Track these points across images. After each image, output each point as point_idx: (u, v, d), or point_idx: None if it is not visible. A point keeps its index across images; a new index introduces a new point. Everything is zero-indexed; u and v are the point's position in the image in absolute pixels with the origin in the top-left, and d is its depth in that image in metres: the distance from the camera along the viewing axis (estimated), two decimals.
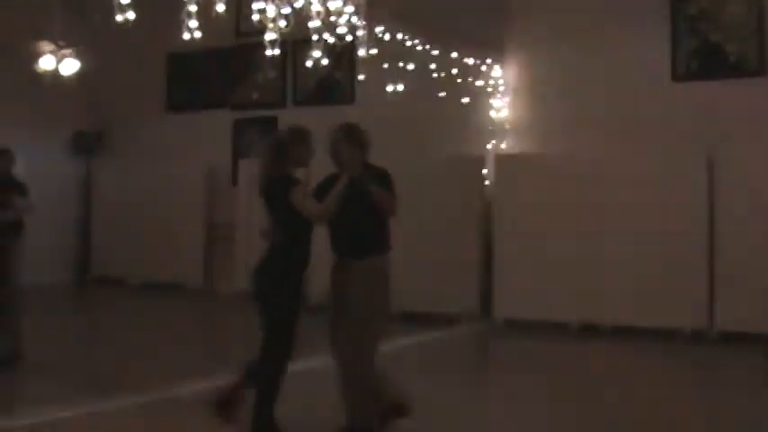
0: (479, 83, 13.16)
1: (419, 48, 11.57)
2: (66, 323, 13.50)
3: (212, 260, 16.38)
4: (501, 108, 13.62)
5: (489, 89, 13.49)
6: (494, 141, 13.51)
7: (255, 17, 9.98)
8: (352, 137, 6.80)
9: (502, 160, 12.95)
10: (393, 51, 11.21)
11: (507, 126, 13.63)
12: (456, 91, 12.53)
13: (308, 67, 11.62)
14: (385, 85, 11.43)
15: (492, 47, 13.35)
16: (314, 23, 9.94)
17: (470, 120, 13.46)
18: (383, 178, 6.71)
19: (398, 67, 11.32)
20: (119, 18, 9.54)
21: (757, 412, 8.01)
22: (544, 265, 12.26)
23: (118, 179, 17.40)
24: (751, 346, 11.08)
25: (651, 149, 12.25)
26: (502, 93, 13.65)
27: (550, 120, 13.30)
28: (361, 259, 6.73)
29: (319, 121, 14.93)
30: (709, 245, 11.54)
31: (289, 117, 15.67)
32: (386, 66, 11.28)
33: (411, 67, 11.42)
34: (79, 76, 12.86)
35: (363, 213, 6.65)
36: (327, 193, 6.59)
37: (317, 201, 6.60)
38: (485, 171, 13.19)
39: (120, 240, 17.03)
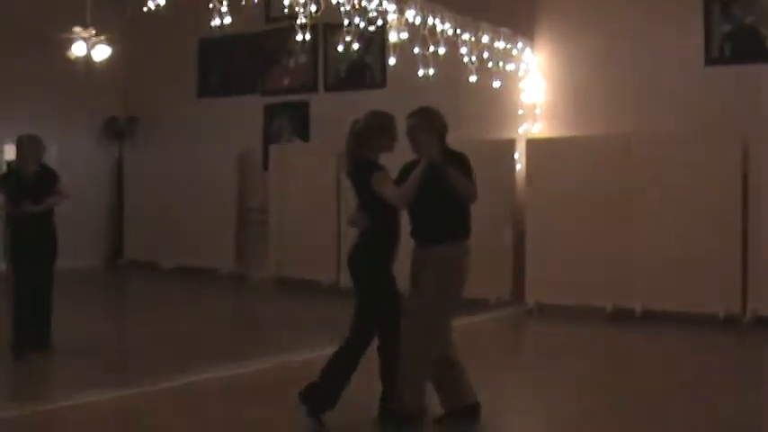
0: (510, 67, 13.10)
1: (450, 32, 11.52)
2: (97, 307, 13.62)
3: (244, 245, 16.42)
4: (532, 92, 13.57)
5: (520, 73, 13.45)
6: (525, 125, 13.47)
7: (286, 2, 9.99)
8: (428, 122, 6.75)
9: (533, 144, 12.91)
10: (424, 36, 11.18)
11: (538, 110, 13.59)
12: (487, 75, 12.47)
13: (338, 52, 11.64)
14: (416, 70, 11.39)
15: (523, 31, 13.30)
16: (345, 8, 9.92)
17: (501, 104, 13.42)
18: (462, 163, 6.64)
19: (429, 52, 11.27)
20: (150, 4, 9.58)
21: None
22: (576, 250, 12.21)
23: (150, 164, 17.49)
24: None
25: (684, 134, 12.17)
26: (533, 77, 13.60)
27: (581, 104, 13.23)
28: (437, 245, 6.68)
29: (350, 106, 15.05)
30: (743, 230, 11.46)
31: (320, 102, 15.76)
32: (416, 50, 11.24)
33: (442, 51, 11.37)
34: (111, 62, 12.86)
35: (442, 199, 6.57)
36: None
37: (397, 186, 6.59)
38: (516, 155, 13.16)
39: (152, 225, 17.12)
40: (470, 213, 6.82)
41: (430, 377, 6.76)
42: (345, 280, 14.08)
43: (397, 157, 6.88)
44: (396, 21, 10.84)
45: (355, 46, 11.08)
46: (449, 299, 6.75)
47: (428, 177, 6.43)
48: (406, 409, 6.61)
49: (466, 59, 12.11)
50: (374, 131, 6.73)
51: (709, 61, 12.49)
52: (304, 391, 6.73)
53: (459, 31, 11.76)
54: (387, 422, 6.70)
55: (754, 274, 11.38)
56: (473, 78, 12.10)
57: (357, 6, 10.35)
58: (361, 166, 6.70)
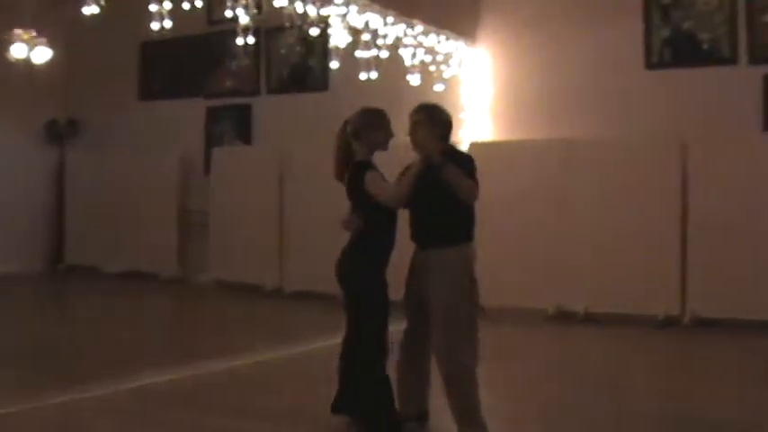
0: (453, 70, 13.15)
1: (392, 35, 11.55)
2: (38, 312, 13.47)
3: (186, 249, 16.34)
4: (474, 96, 13.62)
5: (463, 77, 13.49)
6: (467, 129, 13.52)
7: (228, 4, 9.97)
8: (432, 118, 6.50)
9: (475, 148, 12.95)
10: (366, 39, 11.19)
11: (480, 114, 13.63)
12: (429, 78, 12.51)
13: (281, 55, 11.63)
14: (358, 73, 11.41)
15: (465, 34, 13.35)
16: (287, 11, 9.91)
17: (444, 107, 13.44)
18: (465, 163, 6.35)
19: (371, 55, 11.30)
20: (91, 6, 9.51)
21: (727, 398, 8.08)
22: (518, 252, 12.29)
23: (91, 167, 17.32)
24: (724, 332, 11.15)
25: (625, 137, 12.28)
26: (475, 80, 13.65)
27: (524, 107, 13.30)
28: (440, 249, 6.38)
29: (292, 109, 15.04)
30: (683, 231, 11.59)
31: (262, 105, 15.72)
32: (359, 53, 11.26)
33: (384, 54, 11.40)
34: (52, 64, 12.74)
35: (442, 199, 6.25)
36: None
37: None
38: None
39: (93, 229, 16.96)
40: (474, 215, 6.62)
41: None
42: (288, 283, 14.16)
43: (390, 156, 6.73)
44: (338, 24, 10.85)
45: (297, 49, 11.06)
46: (460, 303, 6.37)
47: (430, 177, 6.09)
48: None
49: (408, 62, 12.15)
50: (371, 129, 6.50)
51: (650, 65, 12.62)
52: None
53: (401, 33, 11.79)
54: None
55: (693, 275, 11.50)
56: (415, 82, 12.13)
57: (299, 10, 10.34)
58: (353, 167, 6.46)
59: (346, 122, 6.60)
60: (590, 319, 11.92)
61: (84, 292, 15.57)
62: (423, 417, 6.69)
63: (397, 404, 6.55)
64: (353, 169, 6.44)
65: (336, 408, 6.57)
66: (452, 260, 6.39)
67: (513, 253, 12.33)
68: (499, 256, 12.35)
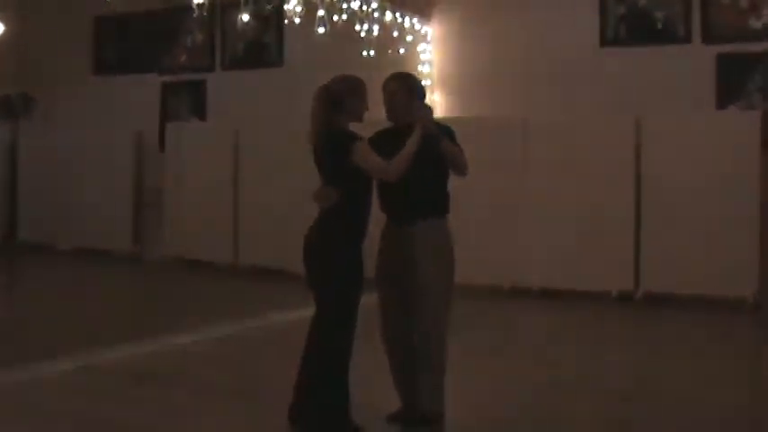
0: (408, 47, 13.14)
1: (348, 11, 11.52)
2: None
3: (141, 226, 16.26)
4: (429, 72, 13.62)
5: (418, 53, 13.49)
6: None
7: None
8: (412, 88, 6.24)
9: None
10: (321, 14, 11.15)
11: (435, 91, 13.64)
12: (384, 55, 12.49)
13: (236, 31, 11.58)
14: (313, 49, 11.38)
15: (420, 11, 13.35)
16: None
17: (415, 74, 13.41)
18: (451, 135, 6.21)
19: (327, 31, 11.26)
20: None
21: (678, 367, 8.18)
22: (474, 229, 12.31)
23: (45, 143, 17.15)
24: (677, 306, 11.28)
25: (579, 113, 12.36)
26: (430, 57, 13.66)
27: (478, 83, 13.33)
28: (430, 221, 6.20)
29: (247, 85, 14.99)
30: (636, 209, 11.68)
31: (217, 81, 15.65)
32: (314, 28, 11.22)
33: (339, 30, 11.37)
34: (4, 38, 12.62)
35: (433, 172, 6.13)
36: (383, 150, 5.90)
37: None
38: None
39: (47, 206, 16.83)
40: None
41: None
42: (243, 259, 14.14)
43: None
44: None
45: (245, 17, 10.94)
46: (448, 277, 6.27)
47: (422, 149, 5.90)
48: (437, 408, 6.12)
49: (364, 38, 12.12)
50: (349, 96, 6.09)
51: (605, 42, 12.68)
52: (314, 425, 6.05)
53: (357, 9, 11.76)
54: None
55: (647, 252, 11.61)
56: (370, 56, 12.11)
57: None
58: (334, 136, 6.00)
59: (325, 87, 6.14)
60: (544, 294, 12.00)
61: (37, 269, 15.44)
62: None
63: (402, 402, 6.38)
64: (335, 139, 6.00)
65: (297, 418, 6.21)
66: (443, 232, 6.32)
67: (468, 230, 12.34)
68: (454, 234, 12.38)
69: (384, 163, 5.86)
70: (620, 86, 12.29)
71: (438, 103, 13.55)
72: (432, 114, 6.06)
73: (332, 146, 6.00)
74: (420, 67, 13.50)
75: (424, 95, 6.32)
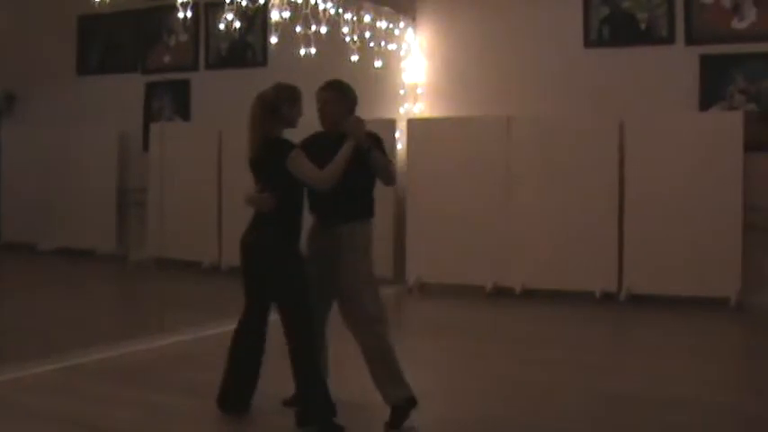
0: (392, 47, 13.14)
1: (332, 11, 11.51)
2: None
3: (124, 226, 16.21)
4: (413, 72, 13.62)
5: (402, 53, 13.49)
6: (406, 105, 13.52)
7: None
8: (343, 97, 6.57)
9: (414, 124, 13.00)
10: (306, 14, 11.15)
11: (420, 90, 13.65)
12: (369, 55, 12.49)
13: (220, 30, 11.55)
14: (297, 49, 11.36)
15: (405, 10, 13.34)
16: None
17: (382, 84, 13.42)
18: (377, 143, 6.47)
19: (311, 31, 11.25)
20: None
21: (665, 367, 8.21)
22: (456, 229, 12.34)
23: (28, 143, 17.05)
24: (660, 307, 11.30)
25: (563, 114, 12.38)
26: (414, 57, 13.66)
27: (463, 84, 13.32)
28: (355, 223, 6.48)
29: (231, 85, 14.95)
30: (619, 210, 11.71)
31: (201, 81, 15.62)
32: (298, 29, 11.21)
33: (323, 30, 11.35)
34: None
35: (361, 178, 6.40)
36: (313, 155, 6.20)
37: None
38: (397, 135, 13.19)
39: (30, 206, 16.73)
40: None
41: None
42: (227, 260, 14.10)
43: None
44: None
45: (237, 24, 10.99)
46: (371, 273, 6.54)
47: (352, 159, 6.20)
48: (403, 398, 6.32)
49: (348, 39, 12.11)
50: (286, 103, 6.34)
51: (588, 44, 12.70)
52: (300, 415, 6.24)
53: (341, 10, 11.75)
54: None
55: (630, 252, 11.65)
56: (354, 58, 12.10)
57: None
58: (271, 144, 6.30)
59: (261, 96, 6.44)
60: (527, 294, 12.02)
61: (20, 270, 15.39)
62: None
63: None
64: (274, 147, 6.30)
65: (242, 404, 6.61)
66: (366, 234, 6.54)
67: (451, 230, 12.38)
68: (437, 233, 12.42)
69: (317, 172, 6.15)
70: (603, 87, 12.30)
71: (418, 103, 13.57)
72: (363, 126, 6.31)
73: (271, 153, 6.29)
74: (403, 67, 13.50)
75: (355, 103, 6.62)
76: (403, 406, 6.29)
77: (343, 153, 6.18)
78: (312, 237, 6.65)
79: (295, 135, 6.47)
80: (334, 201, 6.38)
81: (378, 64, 12.62)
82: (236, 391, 6.56)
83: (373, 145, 6.35)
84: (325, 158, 6.18)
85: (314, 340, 6.33)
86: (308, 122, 6.63)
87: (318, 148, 6.36)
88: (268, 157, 6.33)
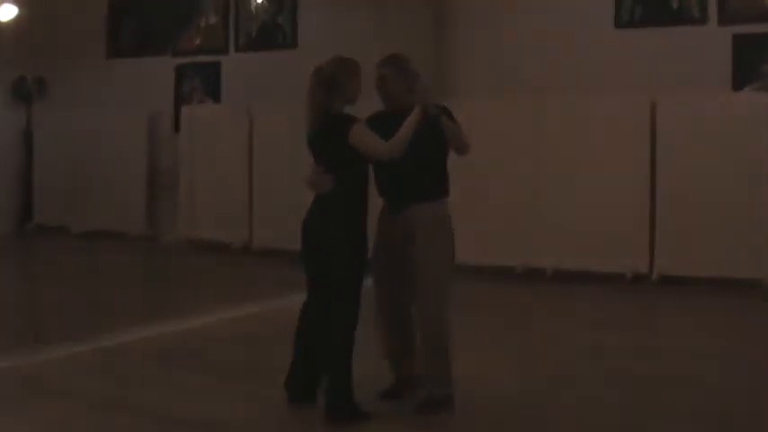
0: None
1: None
2: (3, 272, 13.37)
3: (155, 208, 16.27)
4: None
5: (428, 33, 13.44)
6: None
7: None
8: (400, 71, 6.19)
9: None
10: None
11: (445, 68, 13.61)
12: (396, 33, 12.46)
13: (250, 12, 11.55)
14: (327, 30, 11.35)
15: None
16: None
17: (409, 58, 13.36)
18: (449, 114, 6.14)
19: (341, 12, 11.23)
20: None
21: (692, 348, 8.17)
22: (486, 210, 12.30)
23: (59, 126, 17.15)
24: (691, 289, 11.24)
25: (594, 94, 12.31)
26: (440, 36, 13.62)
27: (493, 65, 13.28)
28: (432, 203, 6.21)
29: (261, 67, 14.95)
30: (651, 190, 11.64)
31: (231, 63, 15.63)
32: (329, 10, 11.19)
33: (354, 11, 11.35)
34: (18, 22, 12.59)
35: (432, 154, 6.13)
36: (378, 134, 5.85)
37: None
38: None
39: (61, 188, 16.82)
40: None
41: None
42: (257, 241, 14.14)
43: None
44: None
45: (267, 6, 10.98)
46: (450, 259, 6.30)
47: (421, 130, 5.85)
48: (452, 391, 6.19)
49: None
50: (347, 77, 5.99)
51: (619, 24, 12.62)
52: (330, 410, 5.97)
53: None
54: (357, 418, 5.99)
55: (662, 233, 11.57)
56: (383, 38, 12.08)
57: None
58: (331, 120, 5.93)
59: (319, 69, 6.03)
60: (558, 276, 11.97)
61: (53, 252, 15.49)
62: (415, 382, 6.47)
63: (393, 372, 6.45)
64: (334, 123, 5.92)
65: (304, 394, 6.28)
66: (444, 214, 6.28)
67: (482, 210, 12.34)
68: (467, 214, 12.34)
69: (382, 143, 5.81)
70: (635, 68, 12.22)
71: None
72: (431, 93, 5.98)
73: (331, 130, 5.93)
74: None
75: (415, 76, 6.23)
76: (440, 401, 6.15)
77: (411, 121, 5.83)
78: (381, 221, 6.34)
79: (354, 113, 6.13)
80: (404, 181, 6.11)
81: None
82: (300, 378, 6.24)
83: (441, 112, 6.01)
84: (387, 137, 5.83)
85: (353, 336, 5.96)
86: (366, 102, 6.24)
87: (381, 126, 5.94)
88: (328, 133, 5.95)
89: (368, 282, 6.18)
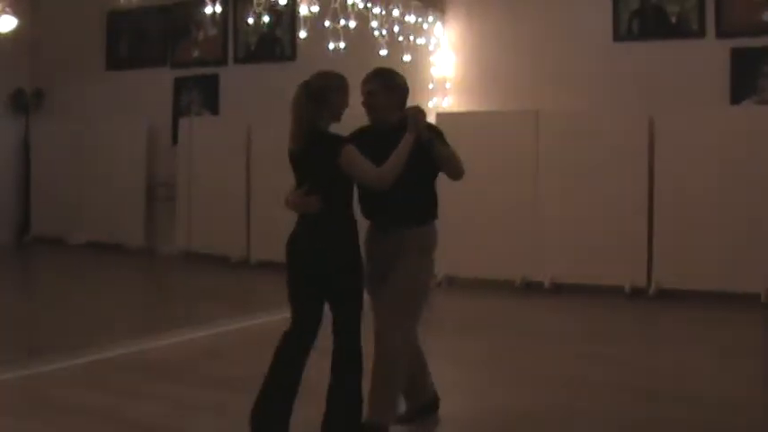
0: (420, 41, 13.12)
1: (360, 5, 11.49)
2: (3, 283, 13.36)
3: (153, 220, 16.26)
4: (442, 66, 13.60)
5: (430, 47, 13.46)
6: (435, 100, 13.50)
7: None
8: (388, 87, 5.88)
9: (443, 118, 12.94)
10: (334, 8, 11.14)
11: (448, 84, 13.63)
12: (397, 49, 12.46)
13: (249, 25, 11.55)
14: (326, 44, 11.35)
15: (433, 4, 13.32)
16: None
17: (411, 78, 13.35)
18: (440, 137, 5.82)
19: (339, 25, 11.24)
20: None
21: (697, 365, 8.16)
22: (485, 223, 12.31)
23: (57, 137, 17.16)
24: (688, 303, 11.23)
25: (592, 108, 12.33)
26: (443, 51, 13.63)
27: (491, 78, 13.30)
28: (420, 227, 5.86)
29: (260, 79, 14.96)
30: (649, 204, 11.65)
31: (229, 75, 15.64)
32: (327, 23, 11.20)
33: (352, 24, 11.34)
34: (17, 33, 12.59)
35: (425, 176, 5.84)
36: (363, 153, 5.51)
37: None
38: None
39: (60, 200, 16.84)
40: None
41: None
42: (255, 254, 14.13)
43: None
44: None
45: (266, 18, 10.99)
46: (426, 283, 5.98)
47: (413, 155, 5.57)
48: (389, 419, 5.77)
49: (376, 33, 12.10)
50: (336, 92, 5.64)
51: (618, 37, 12.63)
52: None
53: (369, 4, 11.74)
54: None
55: (659, 247, 11.58)
56: (383, 52, 12.08)
57: None
58: (319, 139, 5.60)
59: (307, 83, 5.65)
60: (556, 289, 11.98)
61: (50, 264, 15.49)
62: (436, 403, 6.36)
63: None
64: (321, 142, 5.59)
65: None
66: (429, 243, 5.94)
67: (479, 224, 12.36)
68: (466, 228, 12.37)
69: (372, 169, 5.53)
70: (633, 82, 12.24)
71: (447, 97, 13.55)
72: (424, 117, 5.70)
73: (318, 149, 5.59)
74: (432, 61, 13.48)
75: (406, 93, 6.02)
76: (371, 429, 5.68)
77: (404, 147, 5.56)
78: (371, 244, 6.02)
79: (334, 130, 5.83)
80: (392, 203, 5.76)
81: (407, 58, 12.58)
82: (271, 409, 5.75)
83: (434, 137, 5.74)
84: (374, 156, 5.53)
85: (361, 355, 5.69)
86: (350, 116, 5.91)
87: (365, 144, 5.62)
88: (315, 152, 5.59)
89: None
